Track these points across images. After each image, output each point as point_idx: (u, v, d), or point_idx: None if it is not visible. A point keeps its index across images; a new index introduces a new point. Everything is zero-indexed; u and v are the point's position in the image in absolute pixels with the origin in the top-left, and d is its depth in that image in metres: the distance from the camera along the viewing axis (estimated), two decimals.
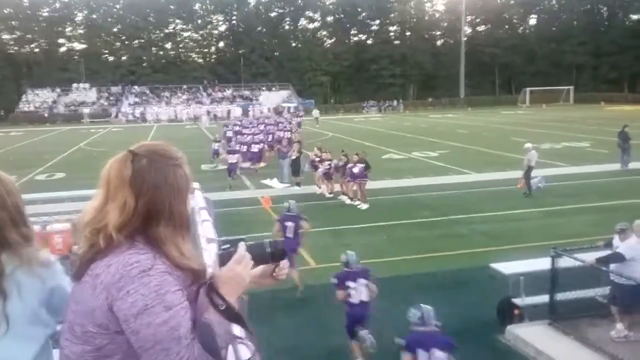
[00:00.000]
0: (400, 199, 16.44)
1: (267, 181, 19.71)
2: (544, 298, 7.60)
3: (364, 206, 15.36)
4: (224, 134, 27.48)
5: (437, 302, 8.63)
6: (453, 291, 9.16)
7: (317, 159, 17.65)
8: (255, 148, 23.49)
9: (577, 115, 47.22)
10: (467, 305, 8.58)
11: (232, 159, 19.41)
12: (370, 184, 16.06)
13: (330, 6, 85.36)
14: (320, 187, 17.80)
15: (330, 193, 17.17)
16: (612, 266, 7.32)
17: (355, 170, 15.60)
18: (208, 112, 58.97)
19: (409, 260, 10.90)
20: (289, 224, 9.15)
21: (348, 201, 16.04)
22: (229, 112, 61.05)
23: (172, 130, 46.73)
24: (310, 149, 20.16)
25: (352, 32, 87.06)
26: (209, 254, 2.33)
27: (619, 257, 7.19)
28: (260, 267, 1.67)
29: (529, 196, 16.07)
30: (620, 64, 72.62)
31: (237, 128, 28.90)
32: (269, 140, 25.92)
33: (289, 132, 27.04)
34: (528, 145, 16.84)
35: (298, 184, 18.50)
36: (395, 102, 69.71)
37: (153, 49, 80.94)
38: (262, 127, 28.84)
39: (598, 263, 7.27)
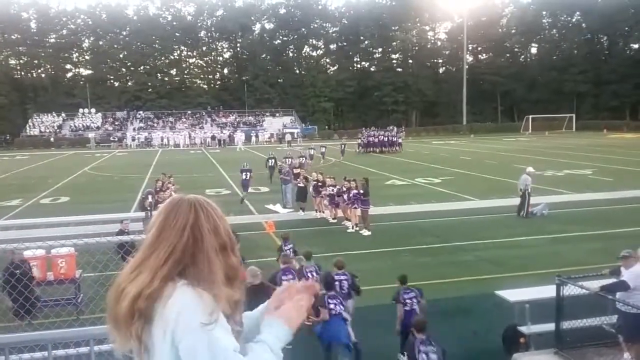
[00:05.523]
0: (403, 225, 16.44)
1: (270, 206, 19.84)
2: (550, 326, 7.53)
3: (366, 232, 15.37)
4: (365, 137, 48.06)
5: (442, 330, 8.63)
6: (458, 319, 9.11)
7: (319, 184, 17.72)
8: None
9: (579, 143, 47.38)
10: (472, 333, 8.53)
11: None
12: (374, 210, 16.08)
13: (334, 34, 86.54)
14: (319, 212, 17.94)
15: (333, 218, 17.19)
16: (618, 294, 7.28)
17: (352, 196, 15.70)
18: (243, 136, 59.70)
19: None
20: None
21: (351, 227, 16.06)
22: (230, 137, 61.45)
23: (176, 155, 47.00)
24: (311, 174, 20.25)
25: (355, 59, 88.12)
26: None
27: (623, 285, 7.15)
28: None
29: (518, 218, 16.83)
30: (621, 92, 73.28)
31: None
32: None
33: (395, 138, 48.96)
34: (527, 169, 18.19)
35: (302, 209, 18.58)
36: (394, 129, 68.63)
37: (158, 74, 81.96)
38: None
39: (602, 291, 7.23)
